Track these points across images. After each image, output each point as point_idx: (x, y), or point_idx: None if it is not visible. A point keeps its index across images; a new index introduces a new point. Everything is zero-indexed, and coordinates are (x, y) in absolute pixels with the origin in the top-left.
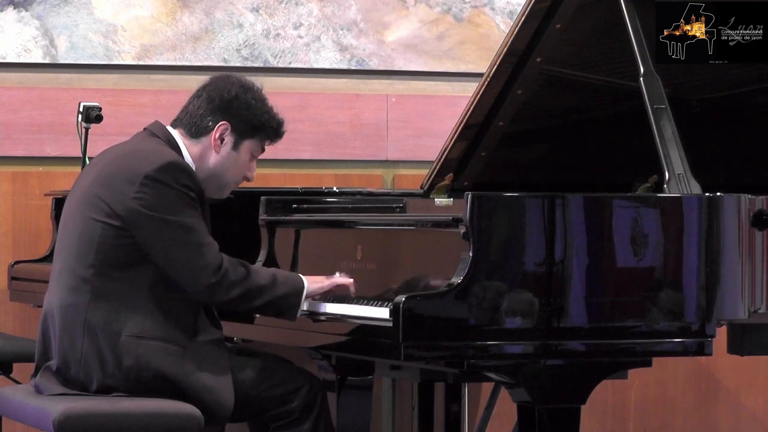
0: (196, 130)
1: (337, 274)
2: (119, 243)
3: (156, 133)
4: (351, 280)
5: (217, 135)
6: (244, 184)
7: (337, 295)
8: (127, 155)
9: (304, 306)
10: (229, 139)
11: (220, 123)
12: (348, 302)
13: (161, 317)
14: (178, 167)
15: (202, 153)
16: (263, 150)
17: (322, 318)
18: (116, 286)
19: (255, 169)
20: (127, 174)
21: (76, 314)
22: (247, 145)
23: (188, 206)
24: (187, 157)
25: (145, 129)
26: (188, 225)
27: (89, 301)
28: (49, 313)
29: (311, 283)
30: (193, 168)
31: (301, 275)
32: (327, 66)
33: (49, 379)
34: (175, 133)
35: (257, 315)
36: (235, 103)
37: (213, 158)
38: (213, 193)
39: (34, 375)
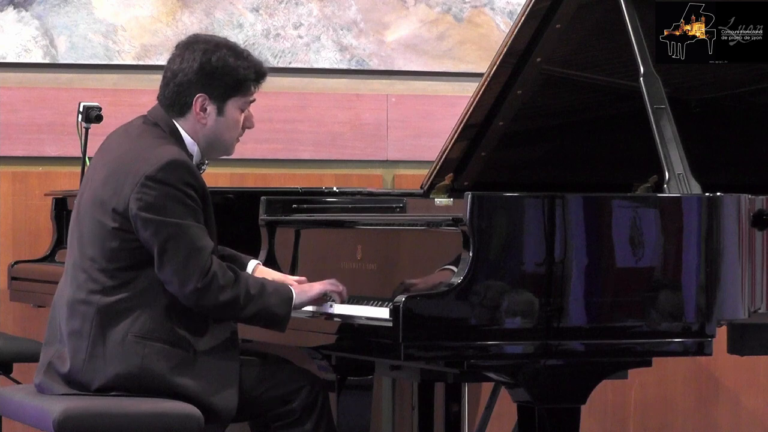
0: (179, 108)
1: (328, 284)
2: (128, 246)
3: (157, 121)
4: (341, 289)
5: (198, 108)
6: (244, 185)
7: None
8: (132, 153)
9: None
10: (211, 108)
11: (197, 96)
12: (348, 302)
13: (170, 319)
14: (179, 165)
15: (193, 128)
16: (253, 98)
17: (322, 318)
18: (126, 287)
19: (252, 116)
20: (130, 175)
21: (86, 311)
22: (232, 104)
23: (186, 208)
24: (188, 140)
25: (146, 116)
26: (182, 227)
27: (99, 301)
28: (59, 303)
29: (299, 293)
30: (195, 146)
31: (290, 286)
32: (327, 66)
33: (53, 378)
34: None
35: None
36: (206, 70)
37: (203, 130)
38: (219, 155)
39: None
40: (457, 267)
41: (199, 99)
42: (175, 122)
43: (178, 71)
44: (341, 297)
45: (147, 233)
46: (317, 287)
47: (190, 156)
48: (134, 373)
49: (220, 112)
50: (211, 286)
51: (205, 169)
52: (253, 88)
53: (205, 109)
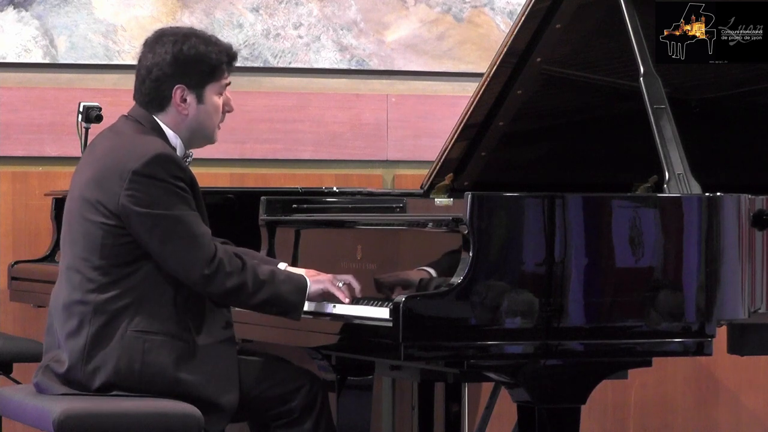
0: (158, 102)
1: (340, 282)
2: (121, 242)
3: (138, 119)
4: (347, 294)
5: (178, 100)
6: (244, 185)
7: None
8: (116, 150)
9: (306, 306)
10: (191, 98)
11: (175, 87)
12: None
13: (167, 313)
14: (165, 158)
15: (174, 120)
16: (228, 81)
17: (323, 318)
18: (122, 283)
19: (230, 100)
20: (116, 172)
21: (83, 311)
22: (210, 90)
23: (178, 198)
24: (169, 133)
25: (127, 115)
26: (179, 217)
27: (95, 299)
28: (55, 309)
29: (314, 283)
30: (177, 139)
31: (304, 275)
32: (327, 66)
33: (51, 378)
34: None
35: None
36: (180, 61)
37: (185, 120)
38: (203, 143)
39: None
40: (433, 270)
41: (177, 90)
42: (155, 118)
43: (152, 66)
44: (351, 295)
45: (143, 229)
46: (328, 287)
47: (174, 149)
48: (135, 368)
49: (200, 100)
50: (217, 273)
51: (190, 161)
52: (226, 71)
53: (185, 100)
